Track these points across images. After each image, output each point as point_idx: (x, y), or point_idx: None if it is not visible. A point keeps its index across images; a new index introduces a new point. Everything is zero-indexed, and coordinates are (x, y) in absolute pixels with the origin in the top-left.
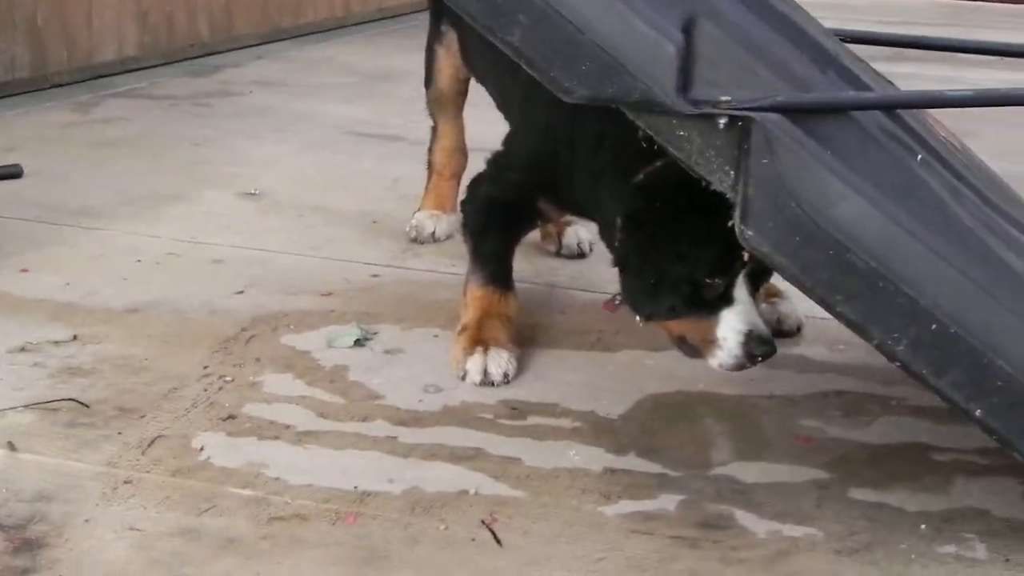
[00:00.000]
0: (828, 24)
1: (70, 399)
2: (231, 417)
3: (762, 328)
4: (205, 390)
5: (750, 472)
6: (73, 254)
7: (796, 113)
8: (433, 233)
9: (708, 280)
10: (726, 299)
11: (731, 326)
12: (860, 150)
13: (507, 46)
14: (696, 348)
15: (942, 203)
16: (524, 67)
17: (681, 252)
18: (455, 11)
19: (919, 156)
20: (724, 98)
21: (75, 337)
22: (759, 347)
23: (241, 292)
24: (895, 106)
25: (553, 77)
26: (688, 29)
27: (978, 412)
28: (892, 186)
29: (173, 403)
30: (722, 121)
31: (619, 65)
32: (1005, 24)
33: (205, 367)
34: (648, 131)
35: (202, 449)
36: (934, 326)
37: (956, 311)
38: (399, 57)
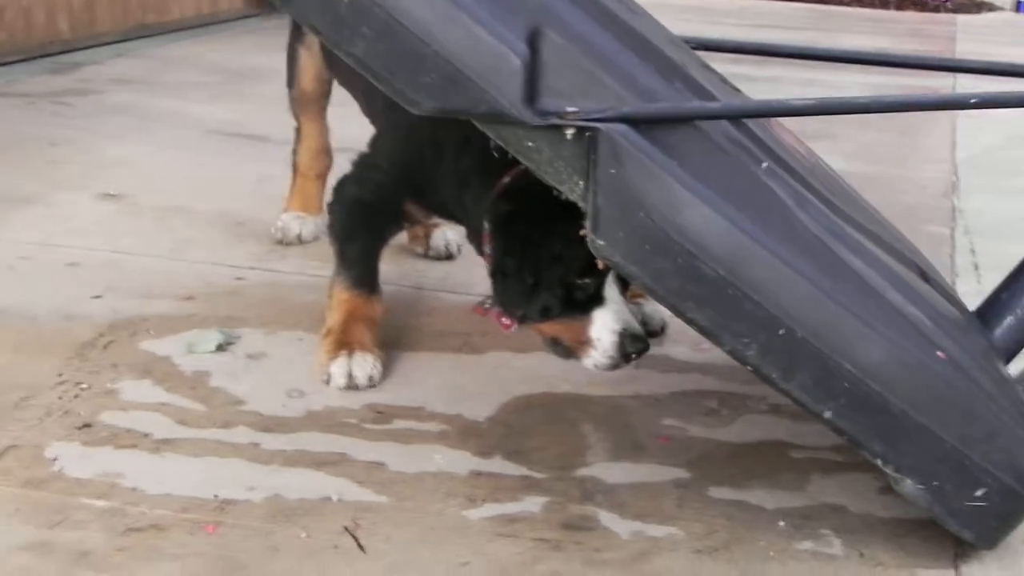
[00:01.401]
0: (690, 27)
1: None
2: (87, 426)
3: (635, 326)
4: (60, 398)
5: (614, 473)
6: None
7: (642, 123)
8: (299, 235)
9: (580, 280)
10: (598, 299)
11: (605, 325)
12: (706, 159)
13: (351, 59)
14: (570, 349)
15: (787, 210)
16: (369, 79)
17: (555, 253)
18: None
19: (764, 164)
20: (571, 109)
21: None
22: (633, 345)
23: (98, 296)
24: (739, 116)
25: (399, 89)
26: (533, 40)
27: (827, 414)
28: (738, 194)
29: (25, 412)
30: (569, 132)
31: (464, 77)
32: (862, 28)
33: (60, 375)
34: (498, 141)
35: (55, 459)
36: (781, 331)
37: (802, 316)
38: (265, 55)
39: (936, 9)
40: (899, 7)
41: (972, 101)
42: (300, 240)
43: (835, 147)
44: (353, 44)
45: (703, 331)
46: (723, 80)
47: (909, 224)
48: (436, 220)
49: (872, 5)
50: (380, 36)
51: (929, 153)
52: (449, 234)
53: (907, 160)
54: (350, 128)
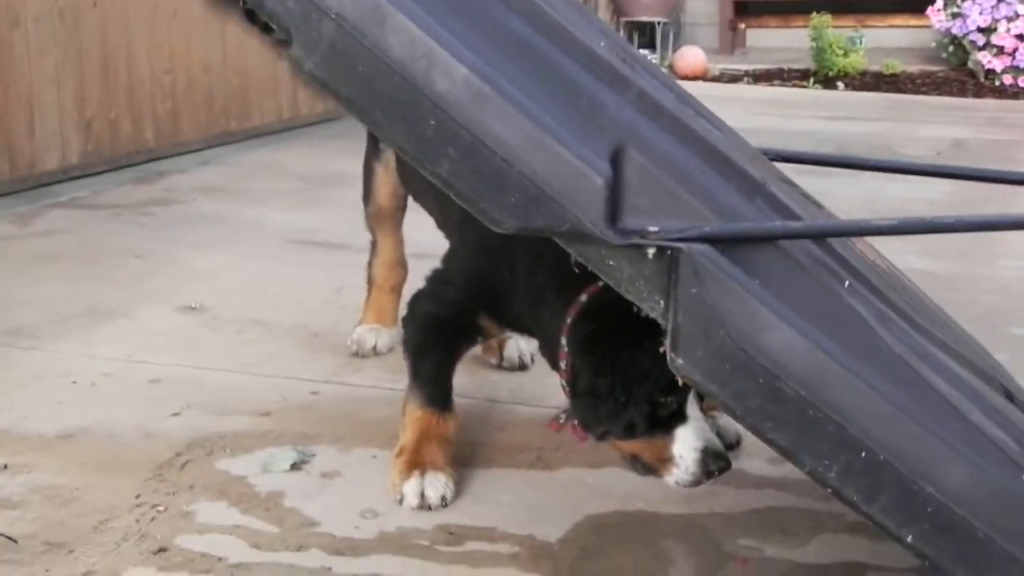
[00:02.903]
0: (767, 121)
1: None
2: (162, 550)
3: (717, 444)
4: (137, 521)
5: None
6: (7, 376)
7: (724, 243)
8: (374, 347)
9: (666, 397)
10: (680, 416)
11: (687, 443)
12: (787, 278)
13: (436, 178)
14: (650, 466)
15: (870, 329)
16: (453, 198)
17: (643, 371)
18: None
19: (846, 282)
20: (652, 228)
21: (5, 466)
22: (716, 463)
23: (177, 414)
24: (821, 235)
25: (482, 208)
26: (616, 159)
27: (909, 538)
28: (820, 313)
29: (103, 536)
30: (651, 251)
31: (547, 197)
32: (940, 117)
33: (137, 496)
34: (579, 259)
35: None
36: (863, 453)
37: (885, 438)
38: (344, 161)
39: (1016, 96)
40: (977, 94)
41: None
42: (375, 352)
43: (909, 244)
44: (438, 164)
45: (783, 452)
46: (804, 195)
47: (991, 326)
48: (509, 333)
49: (950, 93)
50: (465, 157)
51: (1008, 248)
52: (522, 344)
53: (986, 256)
54: (426, 235)
